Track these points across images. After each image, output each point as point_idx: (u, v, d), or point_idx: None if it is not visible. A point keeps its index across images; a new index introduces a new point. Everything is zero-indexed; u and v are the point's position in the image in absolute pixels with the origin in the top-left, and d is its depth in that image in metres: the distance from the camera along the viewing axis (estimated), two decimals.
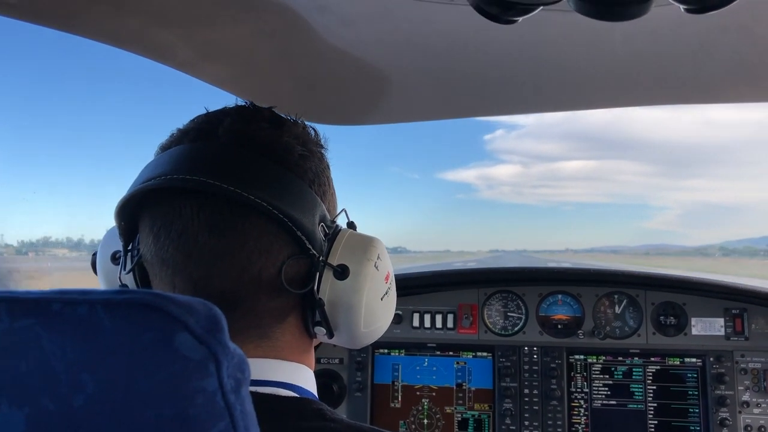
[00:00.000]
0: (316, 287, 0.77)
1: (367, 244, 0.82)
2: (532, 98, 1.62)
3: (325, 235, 0.79)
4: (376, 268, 0.81)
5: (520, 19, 0.70)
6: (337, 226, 0.83)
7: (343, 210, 0.86)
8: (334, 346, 2.19)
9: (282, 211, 0.73)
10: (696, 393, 2.03)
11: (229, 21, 1.20)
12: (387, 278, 0.85)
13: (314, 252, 0.76)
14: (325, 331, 0.81)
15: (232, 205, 0.73)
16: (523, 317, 2.16)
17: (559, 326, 2.14)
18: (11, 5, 1.03)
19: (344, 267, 0.79)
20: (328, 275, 0.78)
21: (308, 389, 0.81)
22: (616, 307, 2.13)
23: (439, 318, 2.19)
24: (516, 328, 2.16)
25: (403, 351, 2.19)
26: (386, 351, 2.19)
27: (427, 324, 2.19)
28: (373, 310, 0.82)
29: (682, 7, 0.64)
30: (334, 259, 0.79)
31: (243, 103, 0.86)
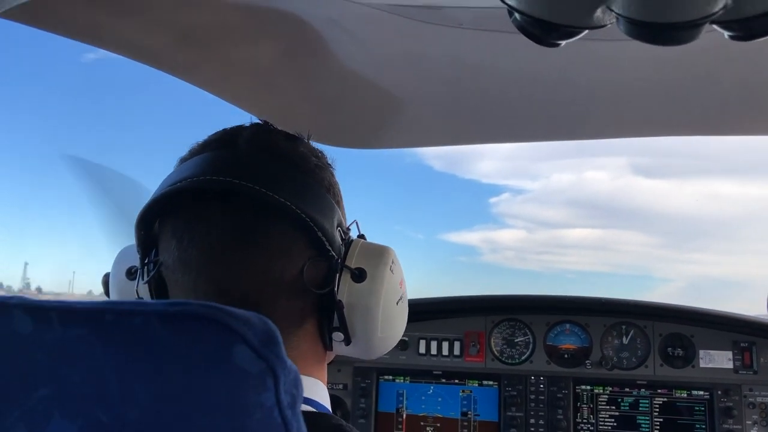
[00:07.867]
0: (335, 289, 0.78)
1: (381, 250, 0.83)
2: (546, 126, 1.63)
3: (342, 240, 0.80)
4: (392, 271, 0.82)
5: (563, 42, 0.71)
6: (350, 235, 0.85)
7: (354, 221, 0.87)
8: (339, 370, 2.16)
9: (306, 213, 0.74)
10: (703, 427, 2.00)
11: (249, 40, 1.21)
12: (401, 284, 0.86)
13: (334, 254, 0.77)
14: (342, 337, 0.81)
15: (257, 207, 0.74)
16: (531, 346, 2.15)
17: (566, 356, 2.12)
18: (34, 16, 1.03)
19: (361, 270, 0.79)
20: (346, 278, 0.79)
21: (324, 404, 0.80)
22: (624, 338, 2.11)
23: (445, 345, 2.16)
24: (523, 357, 2.14)
25: (408, 378, 2.16)
26: (391, 378, 2.17)
27: (434, 351, 2.16)
28: (390, 314, 0.82)
29: (726, 33, 0.65)
30: (351, 263, 0.80)
31: (258, 122, 0.88)
